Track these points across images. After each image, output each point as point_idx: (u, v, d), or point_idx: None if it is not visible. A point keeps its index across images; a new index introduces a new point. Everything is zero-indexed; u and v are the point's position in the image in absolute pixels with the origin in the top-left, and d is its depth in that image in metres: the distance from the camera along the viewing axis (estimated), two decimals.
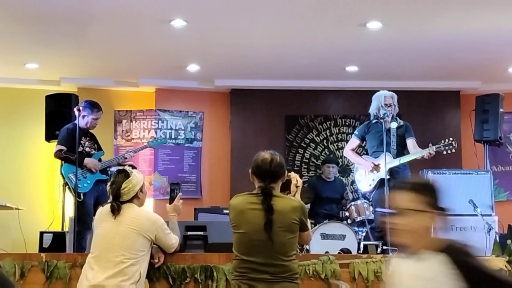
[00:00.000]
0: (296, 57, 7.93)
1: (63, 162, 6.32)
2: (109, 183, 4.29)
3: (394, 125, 6.44)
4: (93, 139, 6.54)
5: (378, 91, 8.82)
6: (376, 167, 6.40)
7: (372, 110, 6.62)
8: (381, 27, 6.79)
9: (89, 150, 6.41)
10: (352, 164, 8.92)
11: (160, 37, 7.20)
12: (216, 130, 9.25)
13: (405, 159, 6.32)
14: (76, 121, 6.29)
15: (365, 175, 6.61)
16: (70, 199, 6.59)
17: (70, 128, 6.32)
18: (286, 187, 3.91)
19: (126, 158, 6.56)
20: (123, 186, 4.17)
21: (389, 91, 6.69)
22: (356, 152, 6.86)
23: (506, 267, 4.61)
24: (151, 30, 6.98)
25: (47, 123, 7.51)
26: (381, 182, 6.33)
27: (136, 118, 9.05)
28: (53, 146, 7.21)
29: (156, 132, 8.99)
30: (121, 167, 4.54)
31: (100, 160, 6.41)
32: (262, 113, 9.14)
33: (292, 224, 3.63)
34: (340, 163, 8.87)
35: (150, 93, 9.16)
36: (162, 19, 6.64)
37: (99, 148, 6.57)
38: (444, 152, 6.21)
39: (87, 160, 6.22)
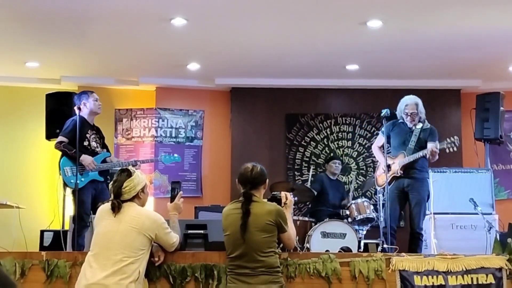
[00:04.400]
0: (296, 56, 7.93)
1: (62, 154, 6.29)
2: (111, 182, 4.30)
3: (419, 125, 6.50)
4: (99, 133, 6.48)
5: (378, 89, 8.90)
6: (388, 168, 6.43)
7: (398, 112, 6.62)
8: (382, 25, 6.79)
9: (96, 146, 6.35)
10: (352, 163, 8.99)
11: (160, 36, 7.20)
12: (216, 129, 9.25)
13: (409, 158, 6.35)
14: (82, 114, 6.26)
15: (382, 174, 6.68)
16: (70, 198, 6.59)
17: (76, 120, 6.23)
18: (277, 204, 4.34)
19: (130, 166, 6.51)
20: (124, 185, 4.18)
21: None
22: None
23: (506, 265, 4.61)
24: (151, 29, 6.98)
25: (48, 121, 7.52)
26: (392, 178, 6.40)
27: (136, 117, 9.06)
28: (54, 144, 7.24)
29: (156, 131, 9.00)
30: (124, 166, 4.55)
31: (105, 161, 6.38)
32: (262, 111, 9.14)
33: (266, 225, 4.13)
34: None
35: (151, 91, 9.16)
36: (162, 18, 6.65)
37: (104, 145, 6.52)
38: (447, 151, 6.25)
39: (83, 157, 6.13)
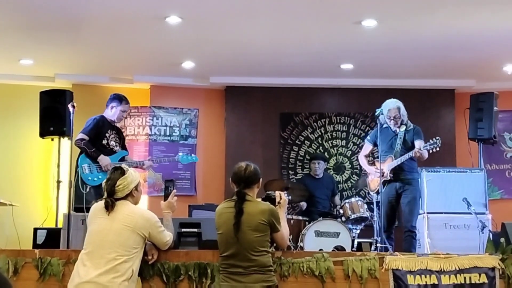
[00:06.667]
0: (291, 55, 7.93)
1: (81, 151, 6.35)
2: (105, 180, 4.29)
3: (402, 128, 6.64)
4: (119, 133, 6.58)
5: (373, 89, 8.91)
6: (383, 174, 6.54)
7: (381, 117, 6.68)
8: (376, 25, 6.80)
9: (114, 145, 6.43)
10: (346, 162, 9.01)
11: (155, 34, 7.19)
12: (211, 127, 9.24)
13: (397, 161, 6.49)
14: (105, 114, 6.40)
15: (374, 179, 6.80)
16: (64, 196, 6.56)
17: (98, 119, 6.36)
18: (271, 203, 4.37)
19: (143, 165, 6.55)
20: (118, 183, 4.18)
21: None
22: (369, 156, 7.12)
23: (499, 265, 4.62)
24: (146, 27, 6.97)
25: (42, 119, 7.47)
26: (383, 182, 6.46)
27: (130, 115, 9.03)
28: (48, 142, 7.25)
29: (150, 129, 8.98)
30: (117, 165, 4.55)
31: (122, 159, 6.41)
32: (257, 110, 9.14)
33: (259, 225, 4.15)
34: (335, 161, 8.89)
35: (145, 89, 9.15)
36: (157, 16, 6.64)
37: (123, 145, 6.60)
38: (430, 151, 6.40)
39: (101, 157, 6.23)
